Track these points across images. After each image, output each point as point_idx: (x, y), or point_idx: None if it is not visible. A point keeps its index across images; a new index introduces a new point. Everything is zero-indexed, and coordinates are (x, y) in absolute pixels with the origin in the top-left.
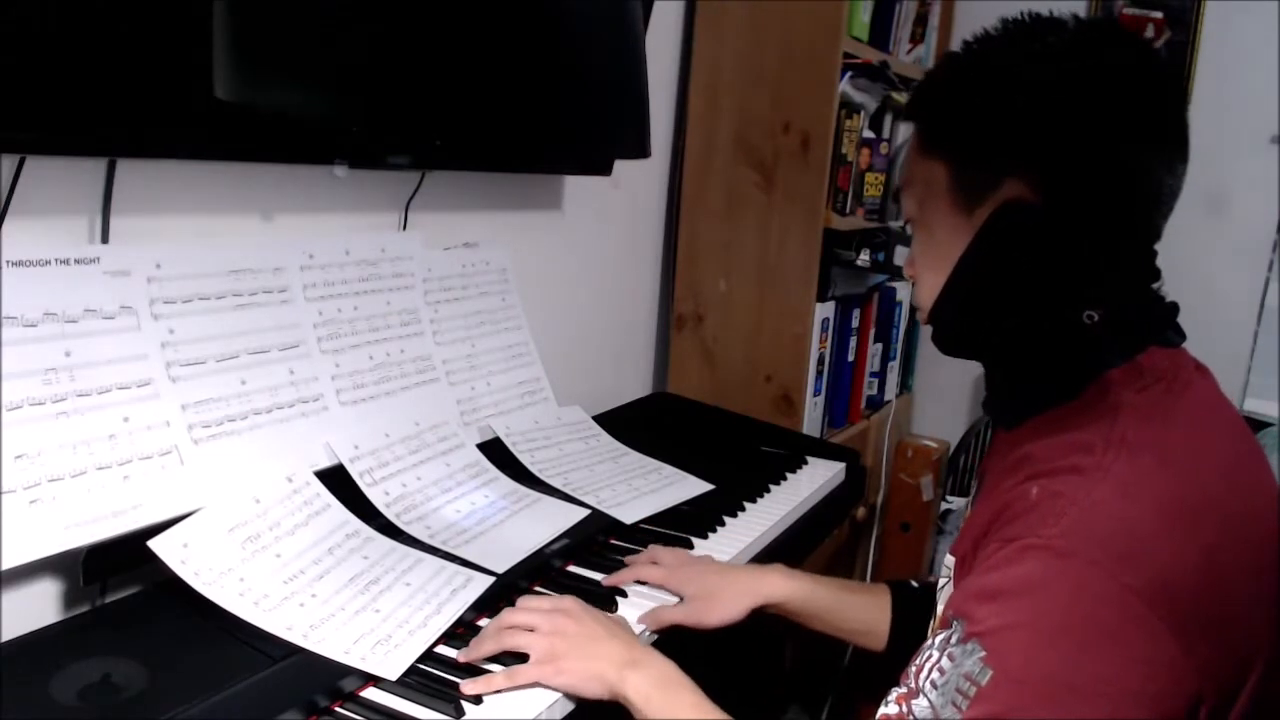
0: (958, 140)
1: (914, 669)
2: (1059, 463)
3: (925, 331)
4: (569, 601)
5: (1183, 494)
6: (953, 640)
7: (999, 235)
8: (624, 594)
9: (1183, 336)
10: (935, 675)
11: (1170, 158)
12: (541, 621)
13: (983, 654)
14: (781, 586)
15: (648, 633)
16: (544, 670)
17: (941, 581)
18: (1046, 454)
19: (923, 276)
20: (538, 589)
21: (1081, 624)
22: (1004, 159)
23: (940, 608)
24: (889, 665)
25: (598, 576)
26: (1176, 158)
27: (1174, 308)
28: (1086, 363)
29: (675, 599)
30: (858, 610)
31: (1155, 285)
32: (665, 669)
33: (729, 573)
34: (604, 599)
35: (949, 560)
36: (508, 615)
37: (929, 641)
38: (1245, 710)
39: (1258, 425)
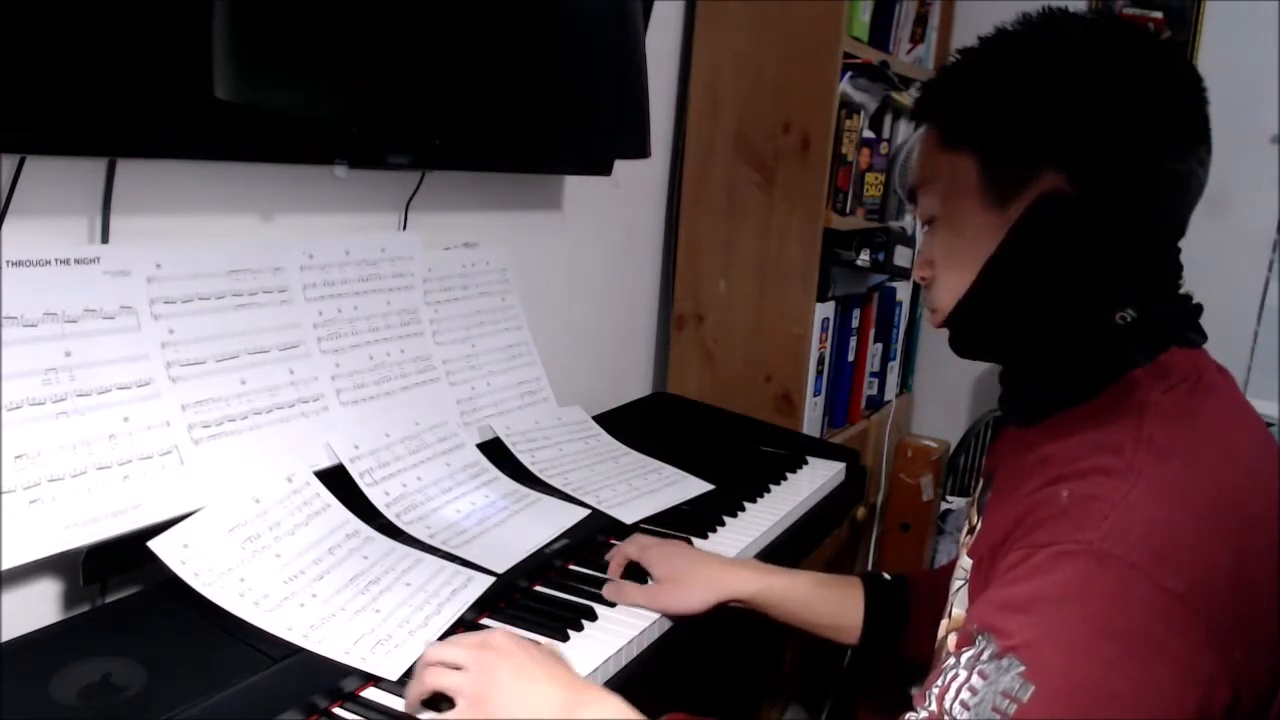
0: (989, 133)
1: (935, 690)
2: (1086, 464)
3: (925, 331)
4: (499, 637)
5: (1213, 496)
6: (983, 657)
7: (1038, 229)
8: (612, 604)
9: (1204, 337)
10: (966, 695)
11: (1199, 147)
12: (469, 660)
13: (1021, 668)
14: (750, 582)
15: (619, 653)
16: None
17: (956, 585)
18: (1070, 455)
19: (944, 277)
20: (538, 588)
21: (1124, 630)
22: (1040, 150)
23: (956, 610)
24: (890, 666)
25: (598, 575)
26: (1204, 147)
27: (1198, 308)
28: (1113, 362)
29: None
30: (830, 605)
31: (1179, 282)
32: (613, 707)
33: (699, 561)
34: (574, 613)
35: (966, 562)
36: (432, 651)
37: (950, 660)
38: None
39: None
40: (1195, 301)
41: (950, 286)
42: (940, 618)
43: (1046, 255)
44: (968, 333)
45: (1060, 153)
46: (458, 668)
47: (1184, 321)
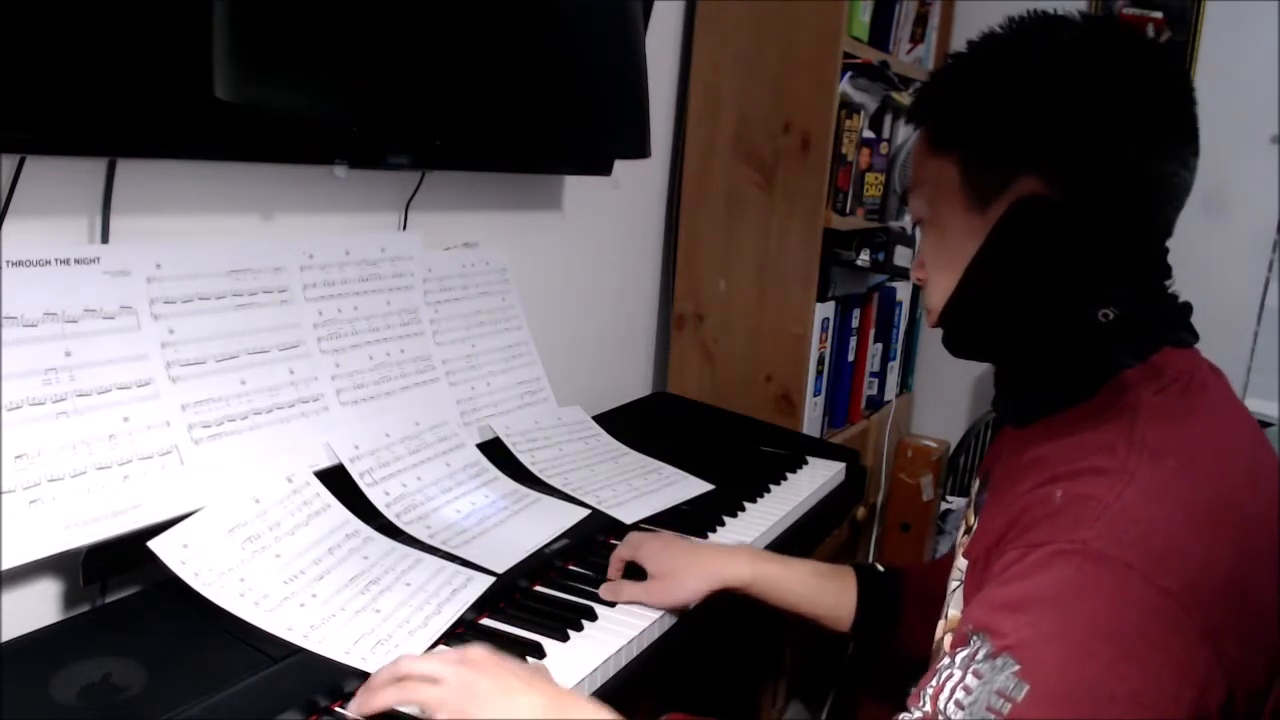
0: (969, 137)
1: (930, 690)
2: (1079, 464)
3: (925, 331)
4: (478, 651)
5: (1207, 496)
6: (978, 656)
7: (1014, 231)
8: (612, 604)
9: (1196, 337)
10: (960, 695)
11: (1183, 150)
12: (448, 674)
13: (1016, 668)
14: (745, 569)
15: (606, 665)
16: None
17: (952, 585)
18: (1064, 456)
19: (934, 278)
20: (538, 588)
21: (1120, 630)
22: (1017, 155)
23: (952, 611)
24: (891, 661)
25: (598, 576)
26: (1189, 150)
27: (1187, 308)
28: (1103, 362)
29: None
30: (827, 595)
31: (1167, 283)
32: (599, 715)
33: (694, 552)
34: (576, 611)
35: (961, 563)
36: (406, 664)
37: (945, 660)
38: (1276, 711)
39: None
40: (1184, 301)
41: (940, 287)
42: (935, 612)
43: (1024, 258)
44: (957, 333)
45: (1037, 157)
46: (435, 681)
47: (1173, 321)
